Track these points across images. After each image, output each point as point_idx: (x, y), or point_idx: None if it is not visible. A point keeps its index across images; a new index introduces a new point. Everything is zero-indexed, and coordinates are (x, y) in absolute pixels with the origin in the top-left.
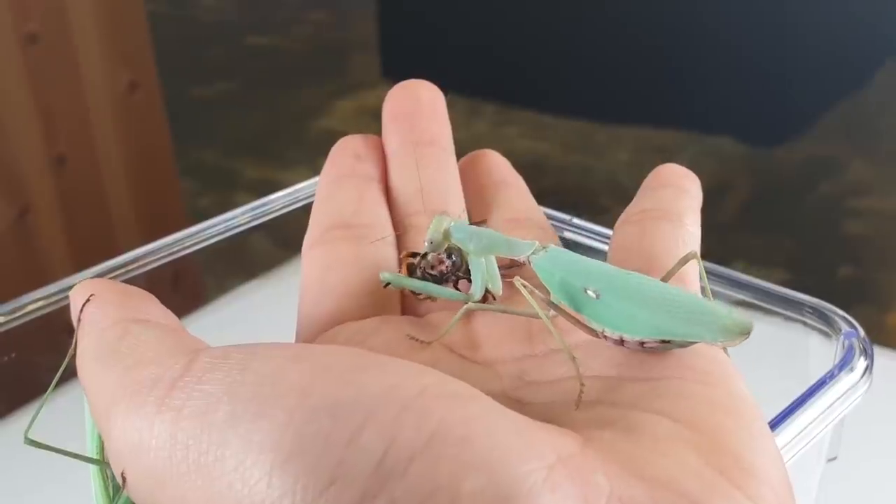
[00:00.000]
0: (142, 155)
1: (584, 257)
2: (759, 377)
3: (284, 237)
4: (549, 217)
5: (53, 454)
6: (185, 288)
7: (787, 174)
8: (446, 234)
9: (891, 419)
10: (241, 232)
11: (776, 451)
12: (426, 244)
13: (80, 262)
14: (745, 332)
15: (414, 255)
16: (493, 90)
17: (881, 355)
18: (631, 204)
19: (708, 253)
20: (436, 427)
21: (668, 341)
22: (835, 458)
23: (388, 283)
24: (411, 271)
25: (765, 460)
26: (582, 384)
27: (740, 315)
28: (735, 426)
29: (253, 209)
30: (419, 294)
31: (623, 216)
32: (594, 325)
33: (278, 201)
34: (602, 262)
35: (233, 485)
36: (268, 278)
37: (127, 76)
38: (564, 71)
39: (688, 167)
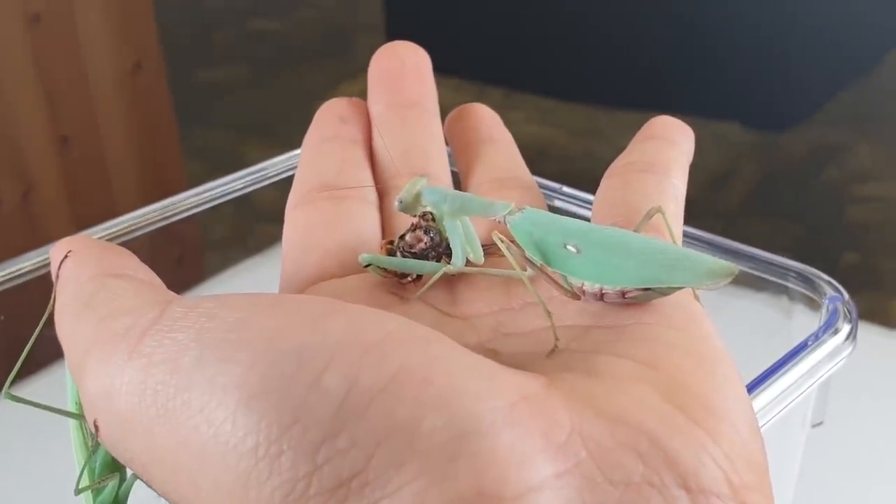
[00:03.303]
0: (146, 135)
1: (559, 216)
2: (744, 342)
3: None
4: (540, 186)
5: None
6: (188, 267)
7: (793, 160)
8: (417, 197)
9: (884, 394)
10: (241, 196)
11: (741, 394)
12: (396, 203)
13: None
14: (730, 274)
15: (391, 242)
16: (500, 75)
17: (881, 334)
18: (619, 156)
19: None
20: (396, 369)
21: (650, 289)
22: (820, 424)
23: (368, 265)
24: (391, 255)
25: (727, 400)
26: (557, 338)
27: (723, 261)
28: (697, 367)
29: (251, 173)
30: (403, 278)
31: (609, 169)
32: (573, 281)
33: (277, 166)
34: (578, 220)
35: (199, 426)
36: (268, 255)
37: (131, 56)
38: (571, 56)
39: (694, 154)
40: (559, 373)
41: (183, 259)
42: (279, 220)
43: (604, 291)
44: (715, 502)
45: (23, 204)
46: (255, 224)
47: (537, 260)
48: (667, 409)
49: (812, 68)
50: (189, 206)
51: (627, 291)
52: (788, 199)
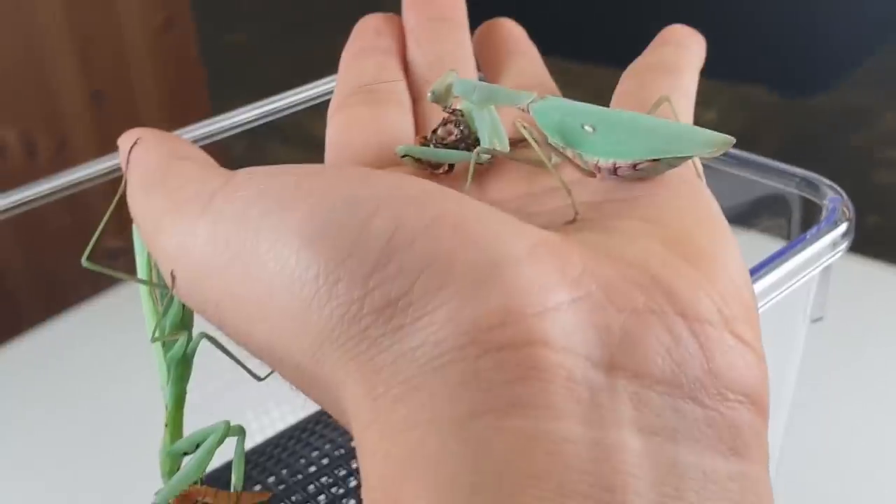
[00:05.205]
0: (177, 91)
1: (578, 102)
2: (748, 242)
3: None
4: None
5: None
6: None
7: (819, 124)
8: (449, 88)
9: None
10: (263, 124)
11: (736, 250)
12: (429, 94)
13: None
14: (728, 143)
15: (424, 137)
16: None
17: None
18: (636, 59)
19: None
20: (435, 215)
21: (659, 160)
22: (820, 319)
23: (404, 155)
24: (425, 146)
25: (724, 253)
26: (576, 211)
27: (720, 133)
28: (699, 226)
29: (272, 101)
30: (436, 168)
31: (627, 70)
32: (588, 158)
33: (316, 88)
34: (594, 105)
35: (266, 264)
36: None
37: (162, 13)
38: (593, 18)
39: (719, 117)
40: (574, 232)
41: None
42: None
43: (617, 166)
44: (707, 328)
45: (57, 157)
46: None
47: (558, 143)
48: (669, 256)
49: (838, 33)
50: (217, 131)
51: (638, 164)
52: (813, 162)
